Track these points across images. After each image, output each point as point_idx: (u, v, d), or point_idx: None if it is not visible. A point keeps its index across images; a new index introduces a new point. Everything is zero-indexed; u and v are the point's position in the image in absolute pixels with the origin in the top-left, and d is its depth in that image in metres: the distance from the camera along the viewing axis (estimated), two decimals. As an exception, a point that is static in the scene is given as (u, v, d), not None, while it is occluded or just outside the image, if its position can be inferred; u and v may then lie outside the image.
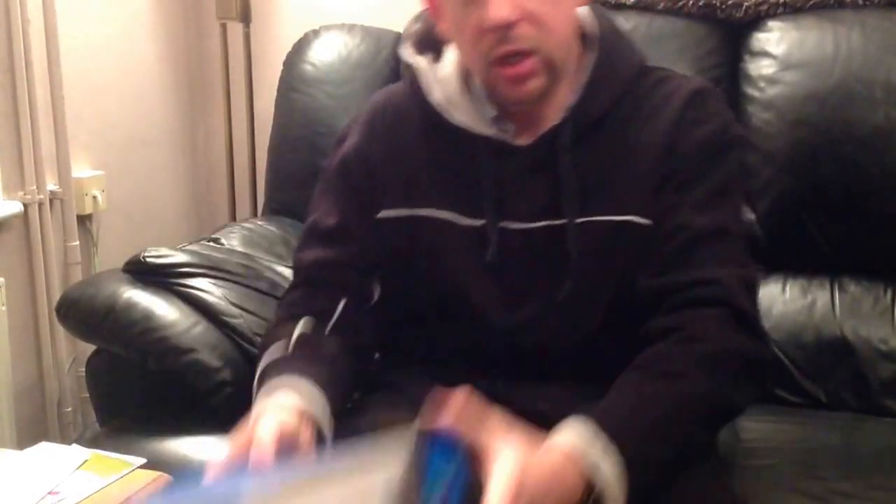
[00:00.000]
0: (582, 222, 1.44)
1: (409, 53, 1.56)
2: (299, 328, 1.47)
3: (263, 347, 1.49)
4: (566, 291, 1.44)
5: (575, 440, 1.21)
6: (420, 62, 1.54)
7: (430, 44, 1.56)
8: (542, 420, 1.43)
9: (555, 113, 1.46)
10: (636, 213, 1.43)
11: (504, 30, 1.36)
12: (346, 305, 1.51)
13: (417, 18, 1.58)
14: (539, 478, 1.14)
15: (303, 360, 1.42)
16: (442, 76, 1.53)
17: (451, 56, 1.53)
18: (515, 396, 1.45)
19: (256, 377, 1.44)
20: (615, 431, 1.21)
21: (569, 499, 1.17)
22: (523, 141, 1.47)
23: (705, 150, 1.44)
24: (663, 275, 1.39)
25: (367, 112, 1.61)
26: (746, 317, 1.36)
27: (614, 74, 1.48)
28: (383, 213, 1.52)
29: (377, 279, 1.54)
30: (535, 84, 1.41)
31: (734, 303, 1.35)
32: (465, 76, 1.52)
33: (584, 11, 1.49)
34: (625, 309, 1.42)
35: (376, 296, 1.54)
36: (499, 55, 1.38)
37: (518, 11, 1.35)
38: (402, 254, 1.52)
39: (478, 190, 1.47)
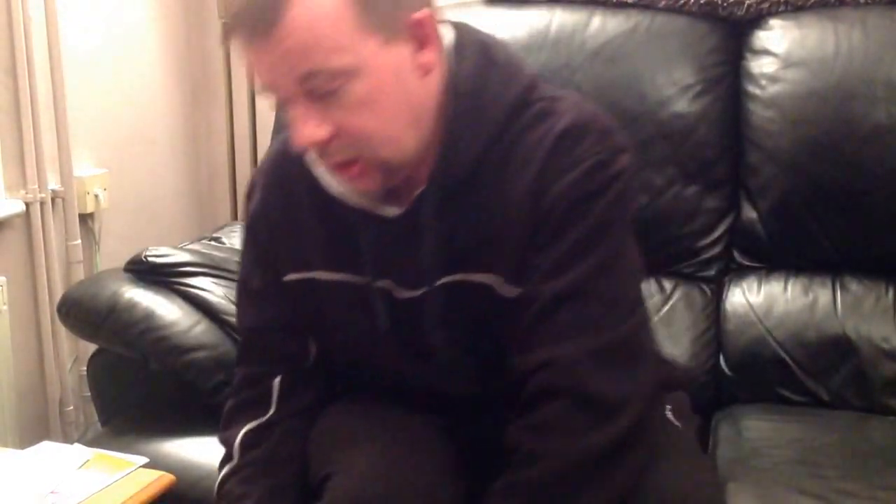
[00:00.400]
0: (453, 282, 1.36)
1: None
2: (239, 438, 1.49)
3: (223, 442, 1.52)
4: (444, 356, 1.41)
5: None
6: None
7: None
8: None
9: (424, 175, 1.35)
10: (504, 279, 1.34)
11: (314, 150, 1.30)
12: (282, 381, 1.50)
13: None
14: None
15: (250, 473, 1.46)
16: None
17: None
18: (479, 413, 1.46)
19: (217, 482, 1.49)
20: None
21: None
22: (396, 208, 1.37)
23: (568, 203, 1.31)
24: (518, 353, 1.31)
25: (267, 165, 1.53)
26: (593, 400, 1.26)
27: (479, 122, 1.34)
28: (287, 277, 1.48)
29: (311, 337, 1.52)
30: (366, 183, 1.33)
31: (579, 387, 1.26)
32: None
33: (449, 48, 1.35)
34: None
35: (314, 352, 1.52)
36: (324, 163, 1.35)
37: (324, 130, 1.26)
38: (312, 316, 1.49)
39: (362, 256, 1.42)
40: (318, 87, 1.23)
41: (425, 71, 1.29)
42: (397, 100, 1.28)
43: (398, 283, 1.40)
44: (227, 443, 1.50)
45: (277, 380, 1.50)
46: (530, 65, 1.43)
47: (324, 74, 1.22)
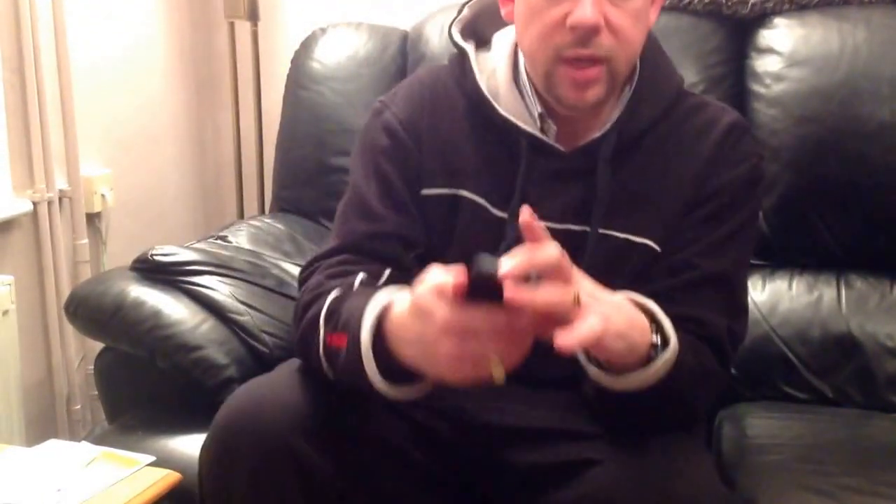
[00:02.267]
0: (603, 234, 1.46)
1: (459, 38, 1.56)
2: (358, 279, 1.41)
3: (312, 301, 1.40)
4: None
5: (638, 296, 1.29)
6: (469, 48, 1.55)
7: (473, 33, 1.58)
8: (506, 443, 1.43)
9: (595, 123, 1.48)
10: (653, 239, 1.47)
11: (587, 33, 1.37)
12: (390, 275, 1.46)
13: (468, 6, 1.61)
14: (608, 298, 1.22)
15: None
16: (487, 67, 1.53)
17: (501, 47, 1.54)
18: (507, 407, 1.46)
19: (324, 313, 1.35)
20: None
21: (641, 331, 1.24)
22: (564, 145, 1.48)
23: (733, 191, 1.47)
24: (667, 303, 1.36)
25: (410, 85, 1.60)
26: (725, 360, 1.44)
27: (656, 93, 1.50)
28: (426, 191, 1.52)
29: (417, 256, 1.51)
30: (595, 92, 1.42)
31: (720, 348, 1.42)
32: (514, 69, 1.52)
33: None
34: None
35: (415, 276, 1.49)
36: (571, 56, 1.39)
37: (603, 19, 1.37)
38: (438, 233, 1.52)
39: (511, 182, 1.48)
40: None
41: (648, 24, 1.46)
42: (645, 28, 1.45)
43: (543, 215, 1.40)
44: (328, 288, 1.40)
45: (387, 272, 1.47)
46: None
47: None
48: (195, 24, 3.09)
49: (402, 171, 1.53)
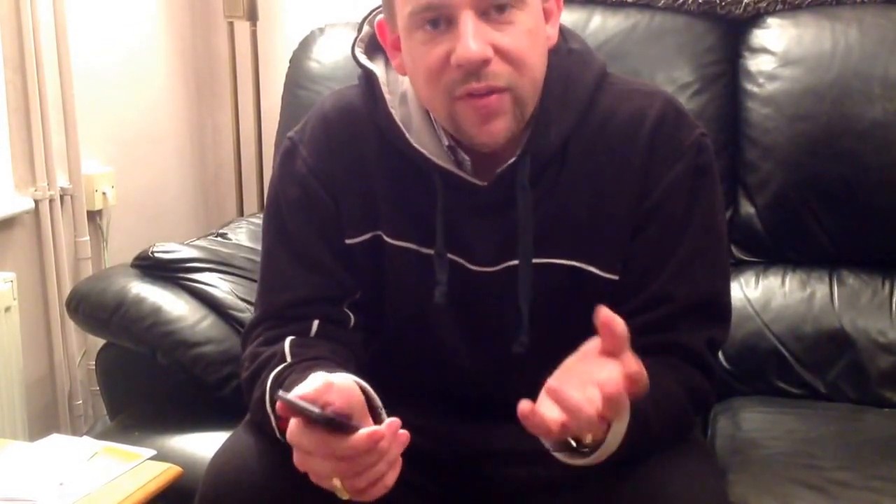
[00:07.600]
0: (540, 263, 1.37)
1: (365, 60, 1.44)
2: (287, 343, 1.38)
3: (253, 376, 1.38)
4: (521, 339, 1.39)
5: None
6: (379, 72, 1.42)
7: (381, 47, 1.45)
8: (497, 463, 1.41)
9: (511, 146, 1.34)
10: (598, 265, 1.37)
11: (476, 66, 1.26)
12: (319, 326, 1.42)
13: (368, 21, 1.47)
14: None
15: (310, 359, 1.34)
16: (398, 87, 1.42)
17: None
18: (478, 440, 1.43)
19: (267, 397, 1.33)
20: None
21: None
22: (479, 177, 1.37)
23: (681, 193, 1.36)
24: (641, 336, 1.30)
25: (318, 121, 1.47)
26: (709, 372, 1.39)
27: (569, 99, 1.37)
28: (349, 241, 1.43)
29: (351, 308, 1.45)
30: (502, 124, 1.30)
31: (702, 363, 1.38)
32: None
33: None
34: None
35: (352, 321, 1.45)
36: (466, 91, 1.28)
37: (492, 48, 1.26)
38: (370, 279, 1.44)
39: (432, 218, 1.38)
40: (496, 4, 1.26)
41: (549, 42, 1.36)
42: (543, 48, 1.34)
43: (470, 254, 1.39)
44: (262, 362, 1.38)
45: (315, 322, 1.42)
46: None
47: None
48: (195, 23, 3.10)
49: (317, 223, 1.43)
